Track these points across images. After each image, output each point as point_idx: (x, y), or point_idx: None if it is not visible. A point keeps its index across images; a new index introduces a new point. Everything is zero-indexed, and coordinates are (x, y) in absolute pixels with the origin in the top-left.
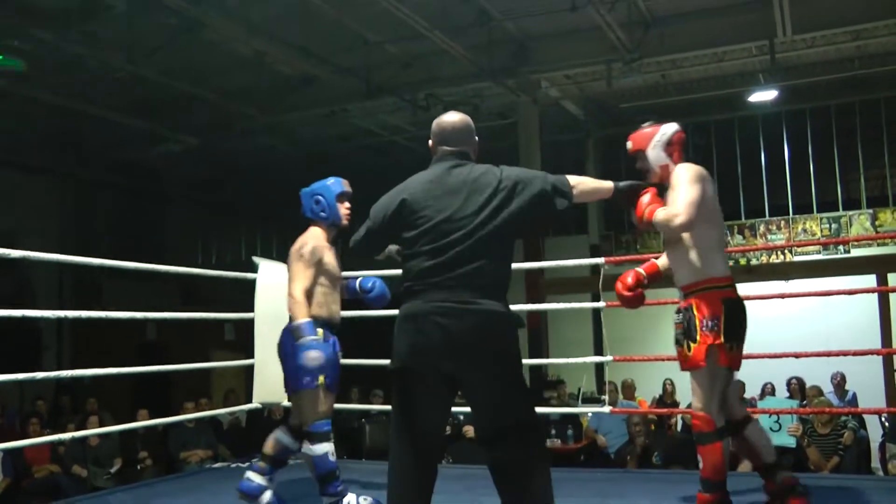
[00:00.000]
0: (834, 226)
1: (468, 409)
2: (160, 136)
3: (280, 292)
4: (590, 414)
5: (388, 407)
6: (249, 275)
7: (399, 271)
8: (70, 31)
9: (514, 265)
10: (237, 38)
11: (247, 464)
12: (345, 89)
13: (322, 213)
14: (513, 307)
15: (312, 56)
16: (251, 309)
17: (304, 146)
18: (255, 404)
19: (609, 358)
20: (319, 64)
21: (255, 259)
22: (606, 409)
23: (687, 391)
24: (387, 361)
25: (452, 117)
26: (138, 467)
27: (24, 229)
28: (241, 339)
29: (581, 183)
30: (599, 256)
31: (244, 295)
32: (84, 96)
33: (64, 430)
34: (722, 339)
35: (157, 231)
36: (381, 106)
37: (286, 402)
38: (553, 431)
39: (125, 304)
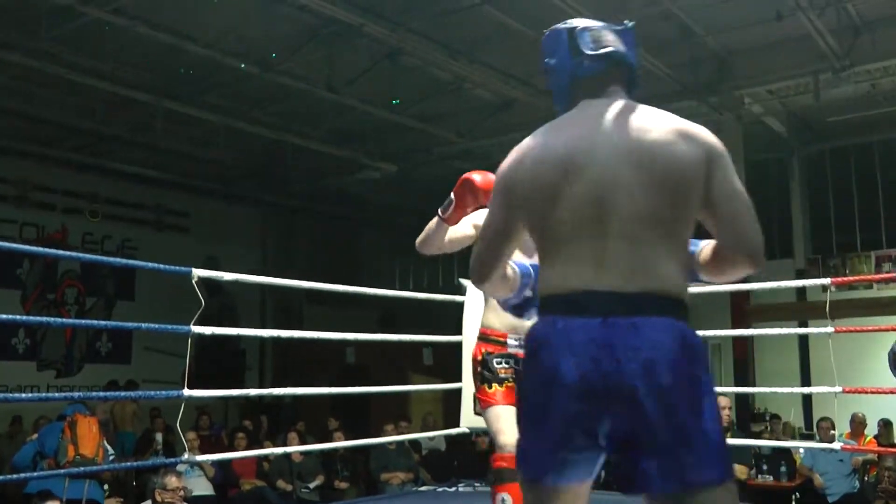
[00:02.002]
0: None
1: None
2: (359, 164)
3: None
4: (802, 451)
5: None
6: (458, 297)
7: None
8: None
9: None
10: (436, 62)
11: (453, 489)
12: (544, 112)
13: None
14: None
15: (512, 79)
16: (447, 334)
17: None
18: (462, 429)
19: (838, 389)
20: (519, 86)
21: (463, 281)
22: (836, 445)
23: None
24: None
25: None
26: (336, 485)
27: (227, 256)
28: (440, 364)
29: None
30: (806, 281)
31: (442, 320)
32: (286, 127)
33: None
34: None
35: (356, 257)
36: None
37: None
38: (764, 467)
39: (325, 328)
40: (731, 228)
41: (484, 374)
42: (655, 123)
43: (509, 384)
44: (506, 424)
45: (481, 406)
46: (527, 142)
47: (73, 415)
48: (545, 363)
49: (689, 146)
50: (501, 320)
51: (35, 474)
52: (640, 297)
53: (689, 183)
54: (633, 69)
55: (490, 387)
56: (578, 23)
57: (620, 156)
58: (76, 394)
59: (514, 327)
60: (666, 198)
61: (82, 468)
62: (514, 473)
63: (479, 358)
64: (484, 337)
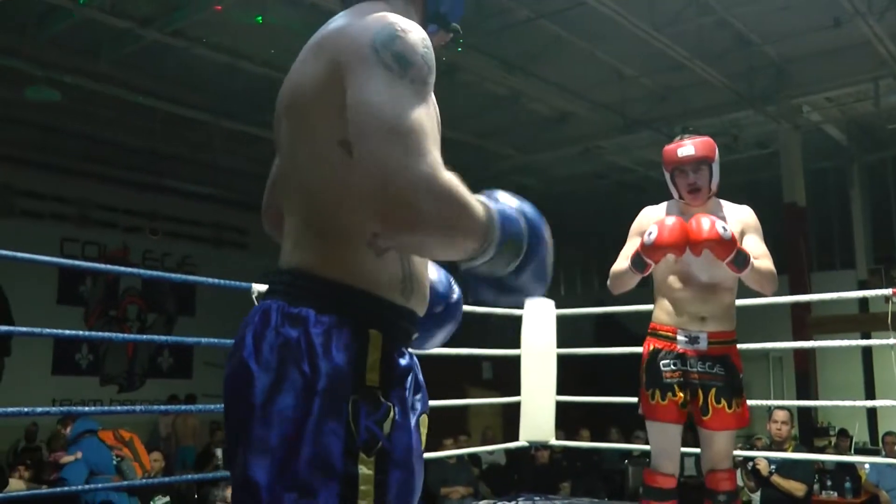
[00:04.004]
0: None
1: None
2: None
3: (548, 327)
4: (867, 466)
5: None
6: (516, 311)
7: None
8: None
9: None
10: (493, 77)
11: (513, 502)
12: (600, 125)
13: None
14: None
15: (567, 92)
16: (506, 348)
17: (557, 184)
18: (521, 442)
19: None
20: (575, 100)
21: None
22: None
23: None
24: None
25: None
26: None
27: None
28: (499, 378)
29: None
30: (868, 292)
31: (500, 334)
32: None
33: None
34: None
35: None
36: (635, 141)
37: (554, 441)
38: (829, 482)
39: None
40: (358, 160)
41: (649, 374)
42: (316, 39)
43: (673, 397)
44: (660, 442)
45: (642, 410)
46: None
47: (117, 431)
48: None
49: (316, 59)
50: (669, 314)
51: (120, 483)
52: (287, 275)
53: (310, 112)
54: None
55: (653, 396)
56: None
57: (284, 93)
58: (138, 407)
59: (681, 323)
60: (296, 144)
61: (157, 480)
62: (657, 493)
63: (647, 355)
64: (653, 332)
